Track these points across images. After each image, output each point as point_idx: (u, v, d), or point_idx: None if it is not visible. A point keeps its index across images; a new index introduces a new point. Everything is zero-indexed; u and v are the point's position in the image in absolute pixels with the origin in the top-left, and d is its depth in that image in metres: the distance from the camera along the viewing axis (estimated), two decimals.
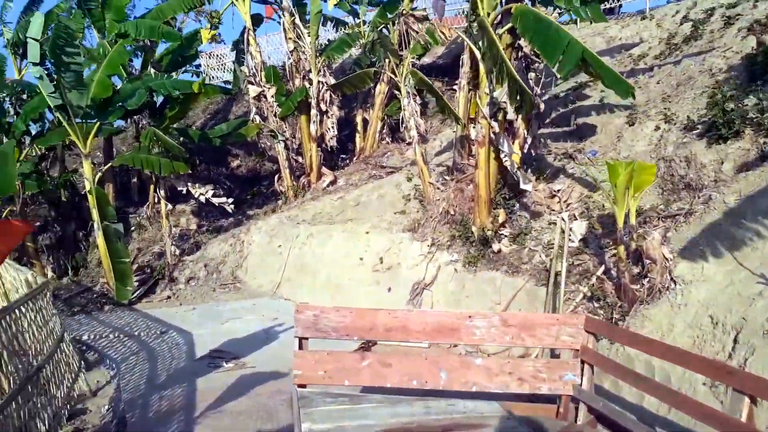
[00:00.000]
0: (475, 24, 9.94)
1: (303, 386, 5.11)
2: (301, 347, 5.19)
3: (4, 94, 16.14)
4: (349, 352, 5.92)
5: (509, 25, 9.38)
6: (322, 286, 11.80)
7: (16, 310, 6.29)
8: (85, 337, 10.17)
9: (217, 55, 25.65)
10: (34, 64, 12.30)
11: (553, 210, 9.71)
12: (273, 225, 14.35)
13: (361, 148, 17.53)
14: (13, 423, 5.22)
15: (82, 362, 8.32)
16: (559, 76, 9.81)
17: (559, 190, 9.97)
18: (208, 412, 6.64)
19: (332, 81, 16.45)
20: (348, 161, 17.94)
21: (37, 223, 15.78)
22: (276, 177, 17.32)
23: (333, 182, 16.14)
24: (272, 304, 11.99)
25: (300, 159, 17.29)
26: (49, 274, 14.83)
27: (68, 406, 6.83)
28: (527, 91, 8.70)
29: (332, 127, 16.73)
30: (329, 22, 19.77)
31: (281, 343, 9.10)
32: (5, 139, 14.49)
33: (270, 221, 14.73)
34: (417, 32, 11.28)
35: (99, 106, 13.41)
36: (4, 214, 14.29)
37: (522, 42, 10.01)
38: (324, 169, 16.68)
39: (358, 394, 5.20)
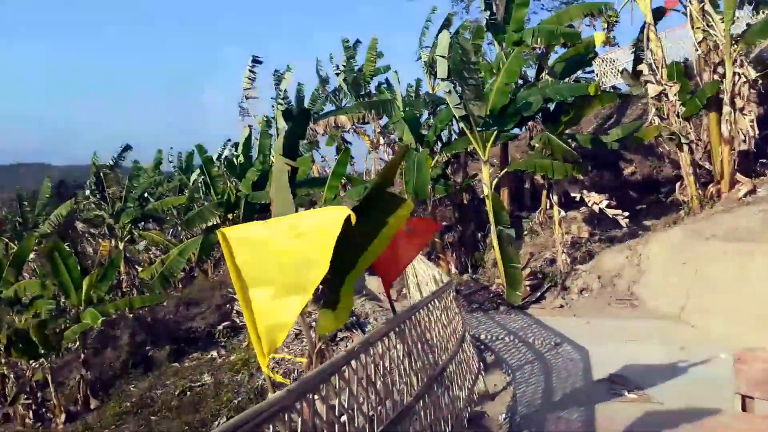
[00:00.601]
0: None
1: None
2: (744, 408, 4.07)
3: (422, 109, 18.47)
4: None
5: None
6: (745, 318, 9.74)
7: (425, 307, 6.72)
8: (482, 337, 10.62)
9: (609, 60, 24.38)
10: (443, 80, 13.64)
11: None
12: (675, 239, 12.80)
13: None
14: (421, 422, 5.46)
15: (481, 363, 8.58)
16: None
17: None
18: None
19: (752, 72, 13.77)
20: None
21: (444, 223, 17.50)
22: (677, 184, 15.58)
23: (751, 192, 13.75)
24: (677, 329, 10.52)
25: (707, 164, 15.08)
26: (452, 270, 16.28)
27: (469, 409, 7.03)
28: None
29: (750, 127, 14.07)
30: (745, 5, 16.67)
31: (693, 381, 7.74)
32: (420, 149, 16.44)
33: (671, 234, 13.18)
34: None
35: (497, 114, 14.08)
36: (417, 214, 16.18)
37: None
38: (739, 176, 14.29)
39: None
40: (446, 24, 22.17)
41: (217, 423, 10.84)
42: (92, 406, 14.47)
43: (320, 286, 4.65)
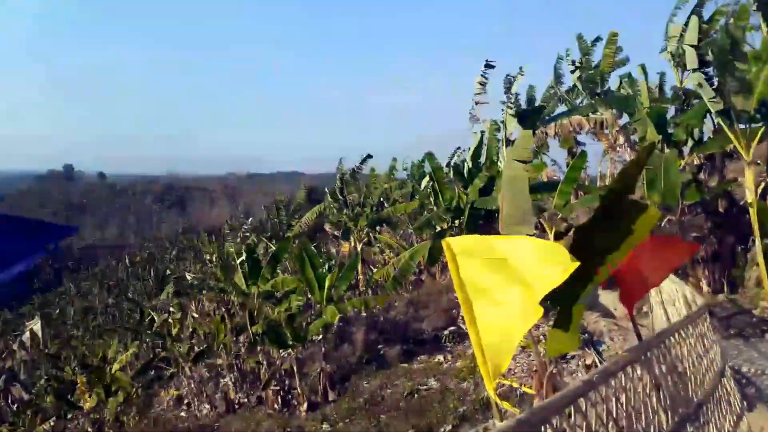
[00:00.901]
0: None
1: None
2: None
3: (668, 105, 16.62)
4: None
5: None
6: None
7: (677, 333, 5.87)
8: (744, 369, 9.06)
9: None
10: (693, 71, 12.10)
11: None
12: None
13: None
14: None
15: (744, 402, 7.27)
16: None
17: None
18: None
19: None
20: None
21: (694, 234, 15.44)
22: None
23: None
24: None
25: None
26: (704, 288, 14.26)
27: None
28: None
29: None
30: None
31: None
32: (666, 149, 14.73)
33: None
34: None
35: (766, 107, 11.98)
36: (663, 222, 14.53)
37: None
38: None
39: None
40: (697, 9, 19.63)
41: (442, 430, 10.90)
42: (330, 398, 15.66)
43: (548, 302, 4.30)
